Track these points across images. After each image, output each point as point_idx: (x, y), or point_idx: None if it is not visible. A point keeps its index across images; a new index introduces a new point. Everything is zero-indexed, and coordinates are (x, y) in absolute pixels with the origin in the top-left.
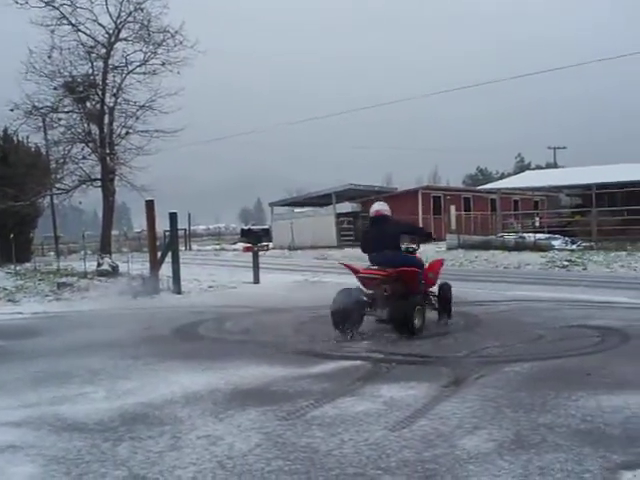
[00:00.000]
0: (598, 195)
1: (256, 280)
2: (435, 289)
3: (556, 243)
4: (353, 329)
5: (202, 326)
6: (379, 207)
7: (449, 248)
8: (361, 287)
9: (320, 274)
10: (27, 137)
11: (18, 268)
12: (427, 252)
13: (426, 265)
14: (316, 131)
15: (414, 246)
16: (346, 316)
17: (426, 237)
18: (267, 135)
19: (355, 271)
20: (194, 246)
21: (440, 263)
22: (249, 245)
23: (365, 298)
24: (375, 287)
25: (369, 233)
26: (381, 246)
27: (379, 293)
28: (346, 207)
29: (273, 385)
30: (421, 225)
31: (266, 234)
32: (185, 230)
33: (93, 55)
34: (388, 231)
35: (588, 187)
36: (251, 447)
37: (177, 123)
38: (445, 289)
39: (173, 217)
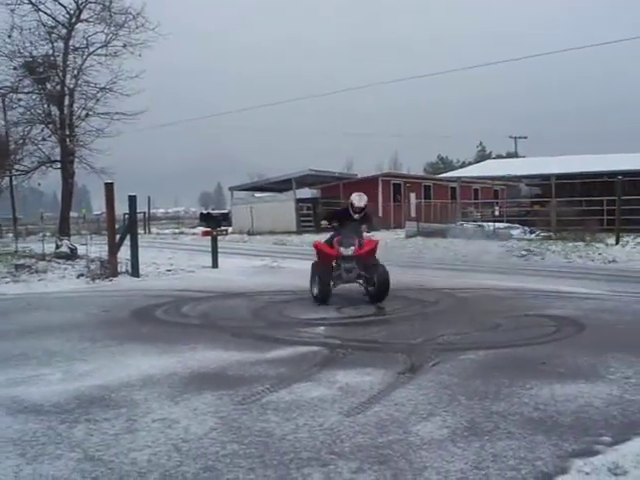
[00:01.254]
0: (558, 185)
1: (215, 265)
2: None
3: (515, 232)
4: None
5: (160, 310)
6: (354, 199)
7: (408, 235)
8: None
9: (279, 259)
10: None
11: None
12: (386, 239)
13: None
14: (279, 116)
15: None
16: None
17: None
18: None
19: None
20: (153, 230)
21: (375, 243)
22: (208, 229)
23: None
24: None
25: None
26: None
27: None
28: (306, 193)
29: (229, 369)
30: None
31: (225, 218)
32: (144, 213)
33: (54, 35)
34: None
35: (547, 177)
36: (206, 431)
37: (138, 106)
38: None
39: (132, 200)
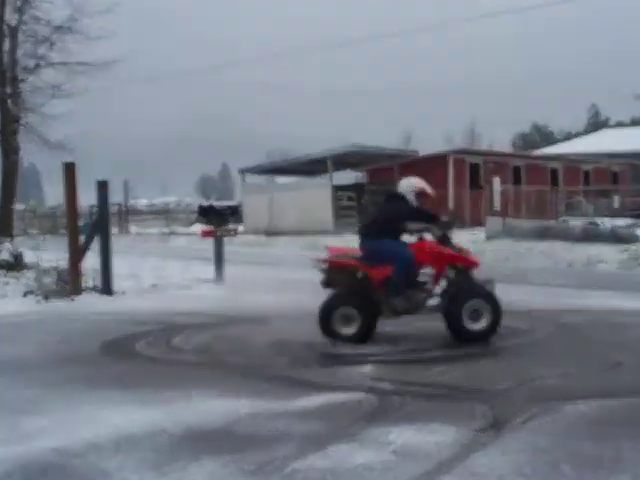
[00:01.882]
0: None
1: (219, 278)
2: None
3: None
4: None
5: (142, 341)
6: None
7: (490, 236)
8: None
9: (309, 270)
10: None
11: None
12: (459, 242)
13: None
14: (310, 70)
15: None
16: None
17: (431, 222)
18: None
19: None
20: (132, 228)
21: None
22: (210, 228)
23: None
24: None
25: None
26: (366, 230)
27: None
28: (347, 177)
29: (239, 425)
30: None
31: (234, 213)
32: (120, 206)
33: None
34: (382, 212)
35: None
36: None
37: (109, 53)
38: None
39: (103, 187)
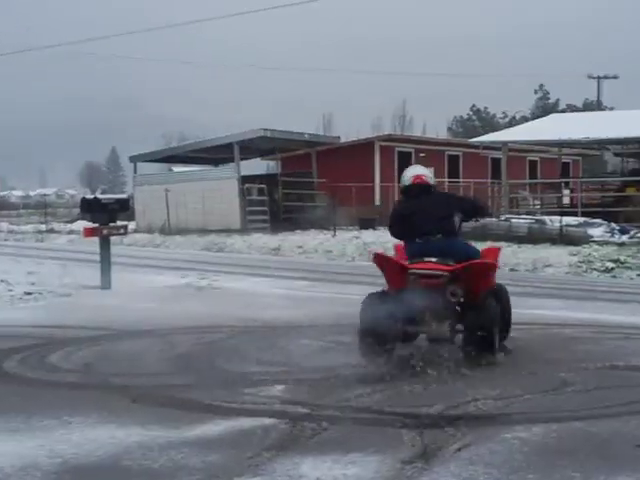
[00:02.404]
0: None
1: (106, 284)
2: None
3: (596, 232)
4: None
5: (12, 359)
6: (420, 171)
7: None
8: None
9: (211, 275)
10: None
11: None
12: (386, 243)
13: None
14: (215, 44)
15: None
16: (386, 337)
17: (487, 212)
18: (126, 46)
19: (399, 266)
20: (3, 224)
21: (496, 253)
22: (94, 226)
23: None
24: (434, 289)
25: (408, 209)
26: (432, 229)
27: (440, 298)
28: (257, 167)
29: (127, 458)
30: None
31: (125, 208)
32: None
33: None
34: (440, 207)
35: None
36: None
37: None
38: (503, 294)
39: None
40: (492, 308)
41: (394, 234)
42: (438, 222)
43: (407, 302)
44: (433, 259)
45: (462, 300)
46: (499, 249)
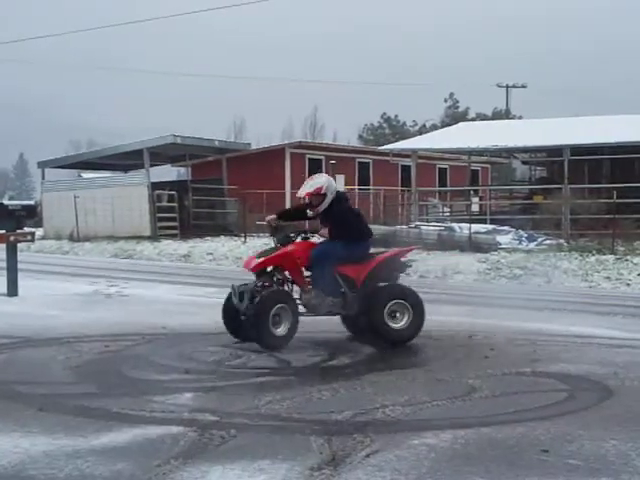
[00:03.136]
0: (574, 164)
1: (12, 291)
2: None
3: (504, 239)
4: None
5: None
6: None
7: None
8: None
9: (120, 282)
10: None
11: None
12: None
13: None
14: (116, 50)
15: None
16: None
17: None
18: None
19: None
20: None
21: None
22: (1, 232)
23: None
24: None
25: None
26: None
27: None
28: (167, 173)
29: (31, 467)
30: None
31: (32, 214)
32: None
33: None
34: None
35: (558, 151)
36: None
37: None
38: None
39: None
40: None
41: (368, 235)
42: None
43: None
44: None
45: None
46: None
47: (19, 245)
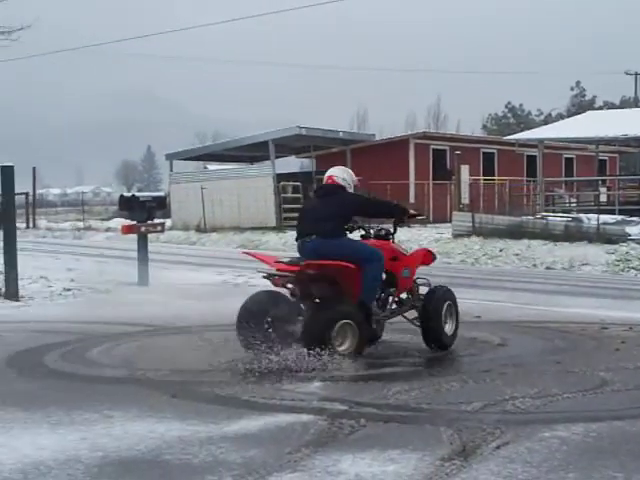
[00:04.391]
0: None
1: (143, 281)
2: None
3: (634, 230)
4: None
5: (53, 354)
6: (332, 172)
7: (457, 234)
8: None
9: (247, 272)
10: None
11: None
12: (420, 241)
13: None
14: (241, 43)
15: (387, 228)
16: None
17: (399, 214)
18: (166, 43)
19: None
20: (42, 222)
21: (424, 255)
22: (132, 223)
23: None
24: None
25: (303, 210)
26: (309, 230)
27: (282, 298)
28: (292, 164)
29: (167, 451)
30: (391, 200)
31: (161, 206)
32: (27, 195)
33: None
34: (327, 208)
35: None
36: None
37: (12, 15)
38: (438, 298)
39: (7, 173)
40: (330, 312)
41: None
42: (314, 223)
43: (252, 304)
44: (286, 259)
45: (318, 300)
46: (427, 251)
47: (149, 236)
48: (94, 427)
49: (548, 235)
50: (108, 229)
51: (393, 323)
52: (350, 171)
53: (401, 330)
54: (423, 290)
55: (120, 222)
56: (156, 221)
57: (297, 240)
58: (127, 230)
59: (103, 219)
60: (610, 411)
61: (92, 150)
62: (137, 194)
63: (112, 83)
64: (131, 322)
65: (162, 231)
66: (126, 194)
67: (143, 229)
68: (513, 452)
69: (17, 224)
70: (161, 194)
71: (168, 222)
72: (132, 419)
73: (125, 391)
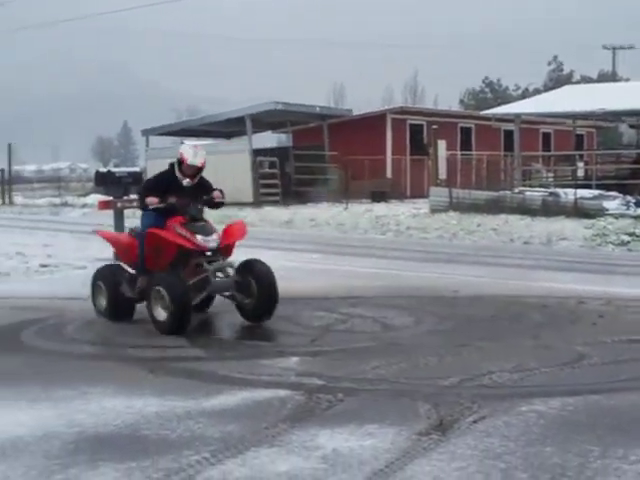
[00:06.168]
0: None
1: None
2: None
3: (611, 205)
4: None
5: (29, 330)
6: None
7: (435, 210)
8: None
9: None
10: None
11: None
12: (398, 216)
13: None
14: (218, 16)
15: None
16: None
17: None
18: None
19: None
20: (18, 199)
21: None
22: (108, 199)
23: None
24: None
25: None
26: None
27: None
28: (268, 140)
29: (145, 427)
30: None
31: (137, 181)
32: (3, 172)
33: None
34: None
35: None
36: None
37: None
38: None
39: None
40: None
41: None
42: None
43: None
44: None
45: None
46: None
47: (126, 211)
48: (71, 403)
49: (526, 210)
50: (85, 205)
51: (373, 298)
52: (186, 144)
53: (379, 305)
54: None
55: (97, 198)
56: (132, 197)
57: None
58: (103, 206)
59: (80, 195)
60: (587, 385)
61: (68, 126)
62: (113, 170)
63: (87, 58)
64: None
65: (139, 207)
66: (102, 170)
67: (119, 205)
68: (490, 426)
69: None
70: (137, 169)
71: None
72: (109, 395)
73: (102, 367)
